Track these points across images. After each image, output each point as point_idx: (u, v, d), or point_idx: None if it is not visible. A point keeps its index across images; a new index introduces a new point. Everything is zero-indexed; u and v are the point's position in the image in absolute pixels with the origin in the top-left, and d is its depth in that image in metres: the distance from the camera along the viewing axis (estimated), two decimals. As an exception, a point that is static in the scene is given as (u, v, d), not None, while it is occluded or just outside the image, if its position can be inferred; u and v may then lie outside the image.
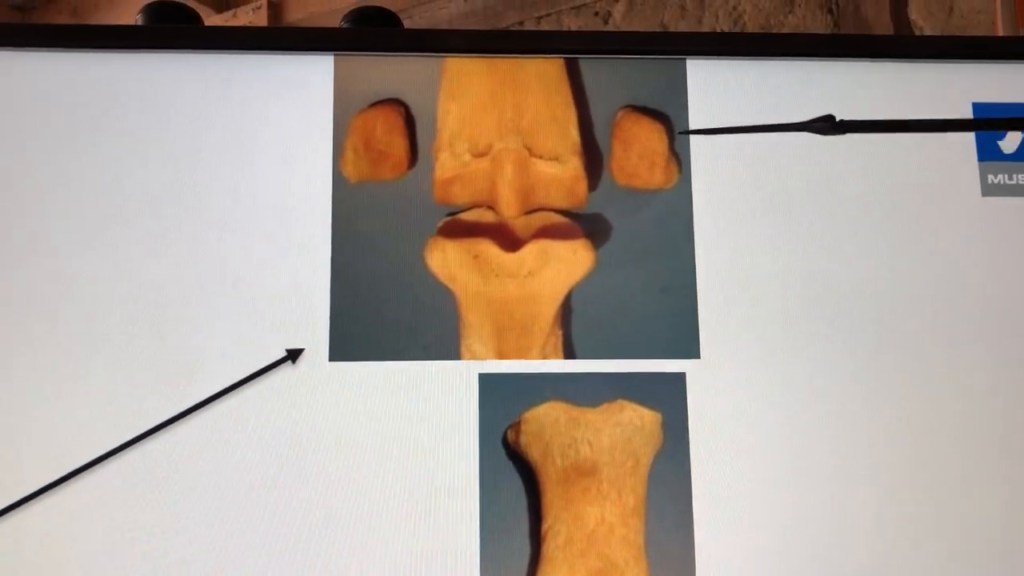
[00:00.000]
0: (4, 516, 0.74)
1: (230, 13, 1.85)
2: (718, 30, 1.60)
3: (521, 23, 1.77)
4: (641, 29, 1.64)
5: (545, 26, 1.74)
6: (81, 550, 0.74)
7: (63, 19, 2.10)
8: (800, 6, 1.63)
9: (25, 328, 0.77)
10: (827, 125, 0.54)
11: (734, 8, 1.66)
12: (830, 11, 1.59)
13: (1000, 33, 1.20)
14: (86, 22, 1.95)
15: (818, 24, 1.56)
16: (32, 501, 0.74)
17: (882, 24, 1.50)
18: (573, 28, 1.71)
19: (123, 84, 0.82)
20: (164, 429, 0.75)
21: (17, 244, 0.79)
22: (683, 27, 1.66)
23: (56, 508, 0.75)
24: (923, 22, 1.47)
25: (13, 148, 0.81)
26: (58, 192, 0.80)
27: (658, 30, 1.63)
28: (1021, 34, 1.13)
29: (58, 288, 0.78)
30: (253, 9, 1.89)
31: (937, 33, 1.39)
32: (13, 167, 0.80)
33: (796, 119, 0.83)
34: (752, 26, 1.62)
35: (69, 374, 0.77)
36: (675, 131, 0.83)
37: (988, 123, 0.77)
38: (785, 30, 1.55)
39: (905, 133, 0.78)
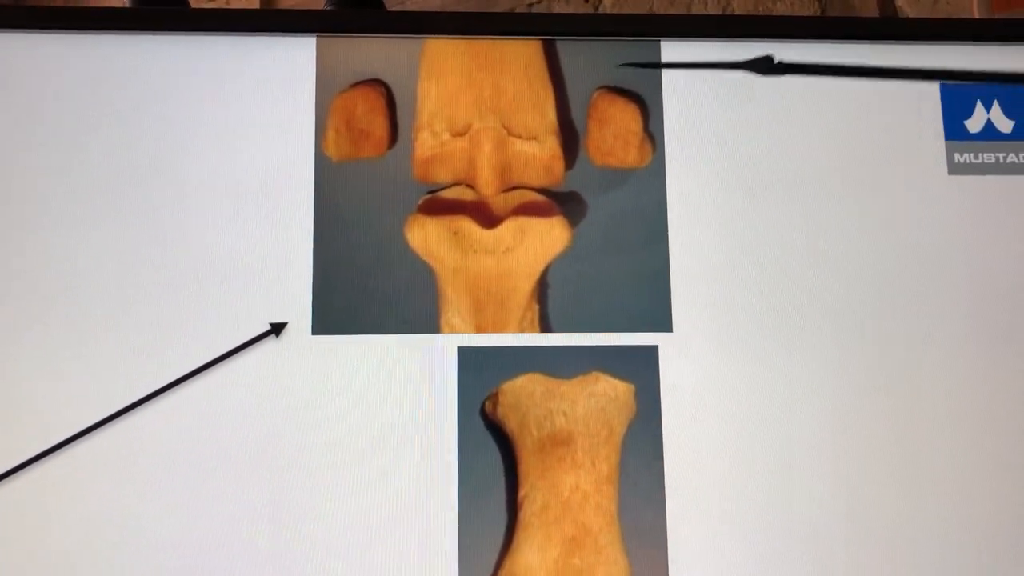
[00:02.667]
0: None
1: (220, -4, 1.84)
2: (715, 15, 1.61)
3: (513, 10, 1.77)
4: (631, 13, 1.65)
5: (537, 12, 1.75)
6: (62, 523, 0.76)
7: (57, 1, 2.10)
8: (789, -8, 1.63)
9: (7, 304, 0.79)
10: (766, 65, 0.56)
11: None
12: (818, -2, 1.59)
13: (975, 16, 1.21)
14: (77, 4, 1.96)
15: (806, 9, 1.56)
16: (15, 475, 0.76)
17: (868, 10, 1.51)
18: (560, 13, 1.72)
19: (110, 65, 0.83)
20: (151, 400, 0.77)
21: (1, 222, 0.80)
22: (674, 12, 1.66)
23: (38, 482, 0.76)
24: (909, 8, 1.48)
25: (15, 128, 0.82)
26: (42, 170, 0.81)
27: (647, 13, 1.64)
28: (994, 18, 1.15)
29: (41, 264, 0.80)
30: None
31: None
32: (12, 148, 0.82)
33: (765, 98, 0.86)
34: (740, 11, 1.62)
35: (52, 349, 0.78)
36: (650, 112, 0.85)
37: (922, 73, 0.79)
38: (774, 15, 1.55)
39: (847, 78, 0.80)
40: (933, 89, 0.87)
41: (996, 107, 0.86)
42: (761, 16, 1.44)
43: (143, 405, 0.77)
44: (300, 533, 0.77)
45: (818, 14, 1.53)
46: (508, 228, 0.83)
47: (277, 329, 0.79)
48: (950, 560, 0.79)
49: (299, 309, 0.80)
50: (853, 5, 1.58)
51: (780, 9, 1.61)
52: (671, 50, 0.86)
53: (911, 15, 1.43)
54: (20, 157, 0.81)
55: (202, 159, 0.82)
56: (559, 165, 0.84)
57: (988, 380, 0.82)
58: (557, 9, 1.76)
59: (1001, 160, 0.86)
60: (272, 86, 0.83)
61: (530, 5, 1.82)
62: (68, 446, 0.77)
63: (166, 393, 0.77)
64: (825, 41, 0.87)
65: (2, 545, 0.75)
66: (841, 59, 0.86)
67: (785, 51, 0.85)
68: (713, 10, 1.65)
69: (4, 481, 0.76)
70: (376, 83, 0.85)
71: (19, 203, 0.81)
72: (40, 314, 0.79)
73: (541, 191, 0.84)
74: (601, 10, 1.73)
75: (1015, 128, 0.86)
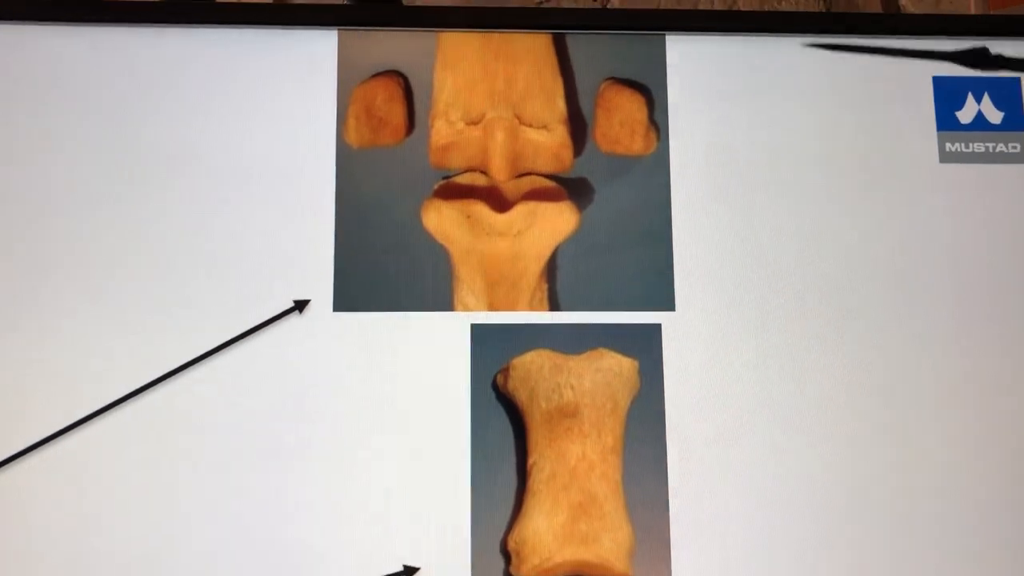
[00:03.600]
0: (17, 460, 0.80)
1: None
2: (718, 10, 1.64)
3: (523, 5, 1.80)
4: (640, 8, 1.68)
5: (546, 6, 1.78)
6: (95, 492, 0.80)
7: None
8: (794, -11, 1.65)
9: (50, 280, 0.84)
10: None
11: None
12: (824, -6, 1.62)
13: (972, 12, 1.25)
14: None
15: (810, 5, 1.59)
16: (50, 443, 0.81)
17: (871, 6, 1.54)
18: (569, 7, 1.75)
19: (141, 57, 0.88)
20: (184, 371, 0.82)
21: (46, 201, 0.85)
22: (681, 7, 1.70)
23: (69, 452, 0.81)
24: (912, 6, 1.51)
25: (37, 116, 0.86)
26: (87, 154, 0.86)
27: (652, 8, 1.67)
28: (989, 14, 1.19)
29: (80, 242, 0.84)
30: None
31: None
32: (38, 133, 0.86)
33: (759, 87, 0.90)
34: (746, 7, 1.66)
35: (87, 322, 0.83)
36: (654, 101, 0.89)
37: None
38: (780, 10, 1.58)
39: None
40: (926, 82, 0.91)
41: (986, 99, 0.90)
42: (757, 12, 1.47)
43: (176, 375, 0.82)
44: (325, 496, 0.81)
45: (822, 9, 1.57)
46: (519, 212, 0.87)
47: (300, 306, 0.84)
48: (949, 532, 0.83)
49: (321, 287, 0.84)
50: (857, 2, 1.61)
51: (786, 6, 1.65)
52: (675, 44, 0.90)
53: (913, 11, 1.47)
54: (67, 144, 0.86)
55: (231, 146, 0.86)
56: (568, 152, 0.88)
57: (976, 356, 0.86)
58: (567, 4, 1.80)
59: (990, 149, 0.90)
60: (296, 77, 0.88)
61: (540, 2, 1.86)
62: (102, 415, 0.81)
63: (197, 364, 0.82)
64: (828, 36, 0.91)
65: (43, 507, 0.80)
66: (854, 55, 0.91)
67: (801, 47, 0.90)
68: (720, 5, 1.68)
69: (40, 448, 0.81)
70: (394, 74, 0.89)
71: (64, 185, 0.85)
72: (76, 290, 0.83)
73: (550, 177, 0.88)
74: (609, 6, 1.77)
75: (1004, 119, 0.90)
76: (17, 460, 0.80)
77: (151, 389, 0.82)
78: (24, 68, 0.87)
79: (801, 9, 1.58)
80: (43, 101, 0.87)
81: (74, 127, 0.86)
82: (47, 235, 0.84)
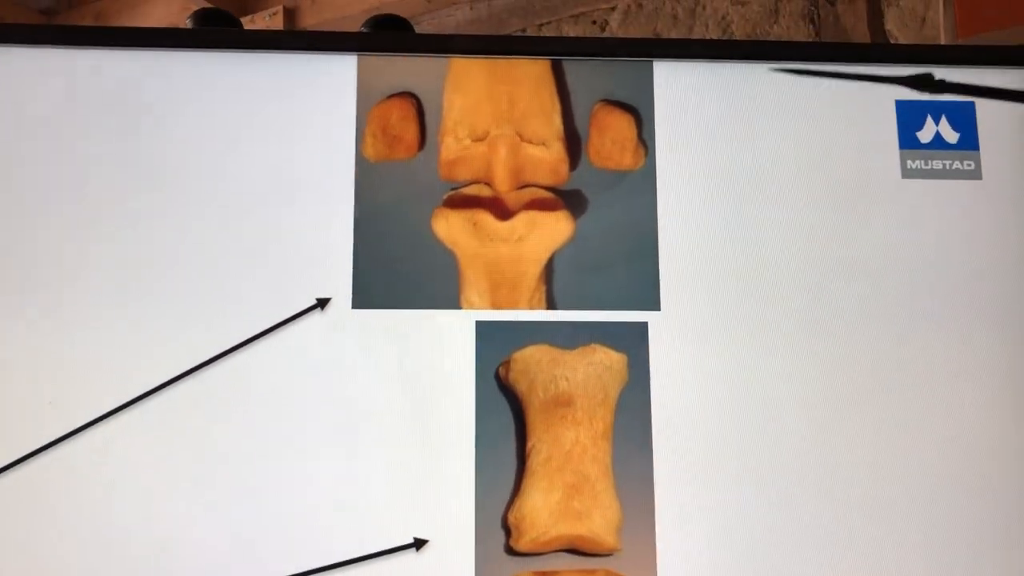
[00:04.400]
0: (53, 447, 0.88)
1: (248, 18, 1.95)
2: (707, 38, 1.73)
3: (524, 30, 1.89)
4: (636, 36, 1.77)
5: (546, 33, 1.87)
6: (128, 479, 0.88)
7: (87, 23, 2.21)
8: (784, 17, 1.73)
9: (91, 276, 0.92)
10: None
11: (723, 18, 1.78)
12: (812, 22, 1.69)
13: (943, 41, 1.34)
14: (72, 24, 2.07)
15: (801, 34, 1.67)
16: (81, 432, 0.88)
17: (859, 34, 1.62)
18: (572, 35, 1.84)
19: (176, 80, 0.96)
20: (215, 362, 0.90)
21: (86, 208, 0.93)
22: (675, 35, 1.78)
23: (104, 441, 0.89)
24: (898, 32, 1.59)
25: (80, 132, 0.95)
26: (126, 165, 0.94)
27: (650, 36, 1.76)
28: (957, 43, 1.28)
29: (119, 245, 0.92)
30: (269, 15, 1.98)
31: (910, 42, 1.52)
32: (80, 146, 0.94)
33: (738, 108, 0.99)
34: (739, 35, 1.73)
35: (121, 318, 0.91)
36: (643, 121, 0.98)
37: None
38: (770, 39, 1.68)
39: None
40: (890, 105, 1.00)
41: (944, 121, 0.99)
42: (738, 41, 1.56)
43: (208, 367, 0.90)
44: (344, 478, 0.89)
45: (812, 37, 1.65)
46: (520, 220, 0.96)
47: (322, 303, 0.92)
48: (932, 512, 0.91)
49: (341, 287, 0.93)
50: (845, 29, 1.70)
51: (776, 32, 1.73)
52: (661, 69, 0.99)
53: (900, 39, 1.55)
54: (106, 154, 0.95)
55: (259, 159, 0.95)
56: (564, 167, 0.97)
57: (949, 345, 0.95)
58: (566, 29, 1.89)
59: (947, 166, 0.99)
60: (319, 98, 0.97)
61: (540, 26, 1.94)
62: (134, 405, 0.89)
63: (228, 356, 0.91)
64: (817, 63, 1.00)
65: (82, 493, 0.88)
66: (824, 79, 1.00)
67: (777, 73, 0.99)
68: (714, 31, 1.77)
69: (72, 438, 0.89)
70: (408, 95, 0.98)
71: (102, 193, 0.94)
72: (115, 286, 0.92)
73: (548, 189, 0.97)
74: (608, 32, 1.85)
75: (960, 139, 0.99)
76: (51, 448, 0.89)
77: (186, 378, 0.90)
78: (79, 90, 0.96)
79: (791, 35, 1.67)
80: (88, 119, 0.95)
81: (114, 143, 0.95)
82: (89, 237, 0.93)
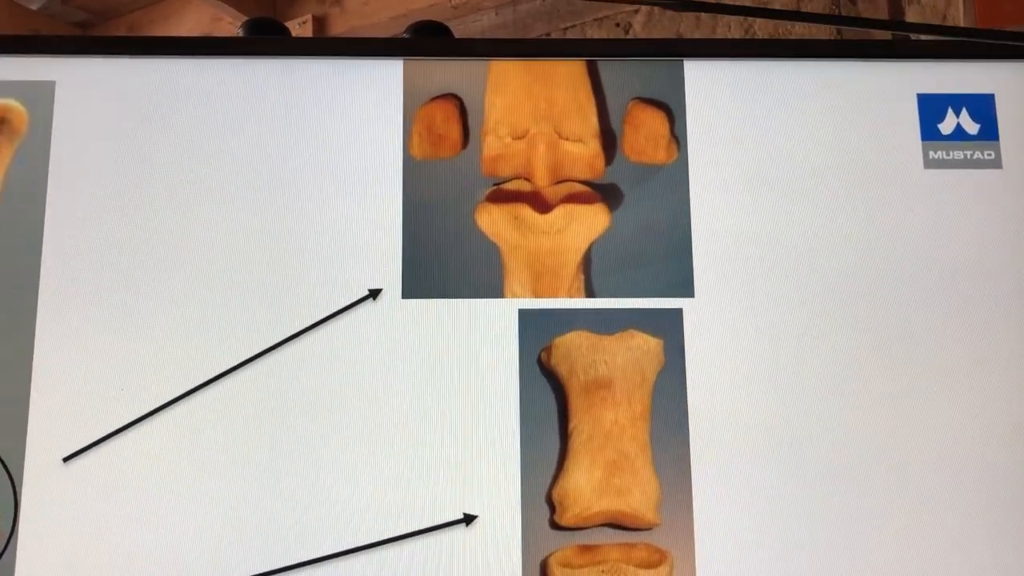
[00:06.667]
0: (120, 434, 0.94)
1: (280, 27, 2.00)
2: (729, 38, 1.76)
3: (548, 34, 1.93)
4: (659, 37, 1.81)
5: (571, 36, 1.91)
6: (192, 464, 0.95)
7: (120, 33, 2.27)
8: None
9: (175, 269, 0.98)
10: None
11: (744, 18, 1.82)
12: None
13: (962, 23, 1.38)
14: (141, 35, 2.15)
15: (822, 33, 1.71)
16: (151, 418, 0.95)
17: (880, 32, 1.66)
18: (596, 38, 1.88)
19: (239, 85, 1.03)
20: (278, 348, 0.96)
21: (160, 209, 1.00)
22: (697, 35, 1.82)
23: (167, 425, 0.95)
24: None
25: (147, 139, 1.01)
26: (195, 171, 1.01)
27: (673, 37, 1.80)
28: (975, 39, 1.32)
29: (186, 239, 0.99)
30: (300, 23, 2.03)
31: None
32: (151, 152, 1.01)
33: (765, 104, 1.03)
34: (762, 34, 1.78)
35: (191, 312, 0.97)
36: (675, 118, 1.03)
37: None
38: (792, 38, 1.71)
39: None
40: (912, 98, 1.04)
41: (964, 113, 1.04)
42: (765, 39, 1.60)
43: (269, 353, 0.96)
44: (398, 459, 0.95)
45: (834, 35, 1.68)
46: (559, 213, 1.01)
47: (374, 294, 0.98)
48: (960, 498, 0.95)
49: (392, 278, 0.98)
50: (866, 29, 1.72)
51: (798, 31, 1.77)
52: (692, 68, 1.04)
53: (922, 36, 1.57)
54: (185, 160, 1.01)
55: (314, 159, 1.01)
56: (600, 162, 1.02)
57: (972, 331, 0.99)
58: (590, 32, 1.93)
59: (968, 156, 1.03)
60: (368, 100, 1.02)
61: (565, 30, 1.98)
62: (196, 392, 0.95)
63: (289, 343, 0.96)
64: (813, 60, 1.04)
65: (156, 465, 0.94)
66: (821, 71, 1.04)
67: (802, 70, 1.04)
68: (736, 32, 1.81)
69: (150, 419, 0.95)
70: (451, 97, 1.04)
71: (178, 198, 1.00)
72: (182, 282, 0.98)
73: (586, 183, 1.02)
74: (632, 34, 1.90)
75: (980, 130, 1.03)
76: (122, 433, 0.95)
77: (249, 364, 0.96)
78: (164, 97, 1.02)
79: (813, 34, 1.70)
80: (159, 124, 1.02)
81: (182, 148, 1.01)
82: (161, 240, 0.99)
